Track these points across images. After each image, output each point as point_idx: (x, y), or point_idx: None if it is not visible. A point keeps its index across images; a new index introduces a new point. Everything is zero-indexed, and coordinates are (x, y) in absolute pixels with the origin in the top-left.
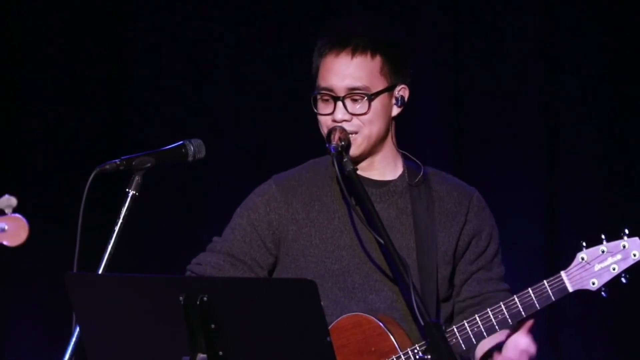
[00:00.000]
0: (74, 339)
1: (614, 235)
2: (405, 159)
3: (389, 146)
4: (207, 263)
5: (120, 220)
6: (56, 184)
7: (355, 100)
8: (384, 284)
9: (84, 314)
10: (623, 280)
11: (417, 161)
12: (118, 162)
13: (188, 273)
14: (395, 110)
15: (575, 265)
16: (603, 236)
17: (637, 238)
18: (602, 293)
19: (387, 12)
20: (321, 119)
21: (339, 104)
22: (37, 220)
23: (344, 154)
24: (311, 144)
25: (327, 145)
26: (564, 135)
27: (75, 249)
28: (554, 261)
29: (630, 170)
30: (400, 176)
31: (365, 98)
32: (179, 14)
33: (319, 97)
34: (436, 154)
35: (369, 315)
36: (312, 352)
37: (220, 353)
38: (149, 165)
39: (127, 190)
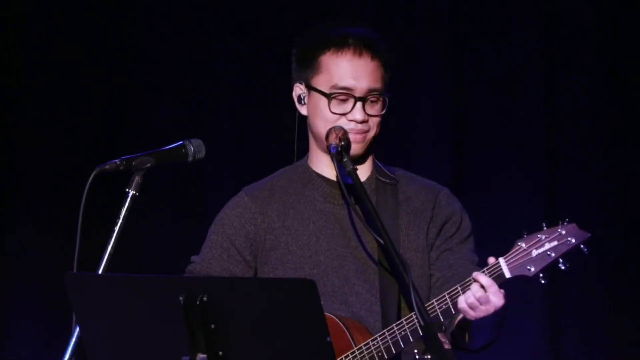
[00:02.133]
0: (74, 339)
1: (555, 222)
2: (375, 159)
3: (370, 147)
4: None
5: (120, 220)
6: (56, 184)
7: (372, 102)
8: (363, 286)
9: (84, 314)
10: (561, 267)
11: (387, 166)
12: (118, 162)
13: None
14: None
15: (513, 252)
16: (544, 224)
17: (574, 224)
18: (541, 280)
19: (387, 13)
20: (329, 116)
21: (359, 104)
22: (37, 220)
23: (343, 153)
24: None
25: (326, 145)
26: (564, 135)
27: (75, 249)
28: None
29: (631, 170)
30: (369, 178)
31: (381, 99)
32: (179, 14)
33: (336, 96)
34: (436, 155)
35: (330, 315)
36: (312, 352)
37: (220, 353)
38: (149, 165)
39: (127, 190)
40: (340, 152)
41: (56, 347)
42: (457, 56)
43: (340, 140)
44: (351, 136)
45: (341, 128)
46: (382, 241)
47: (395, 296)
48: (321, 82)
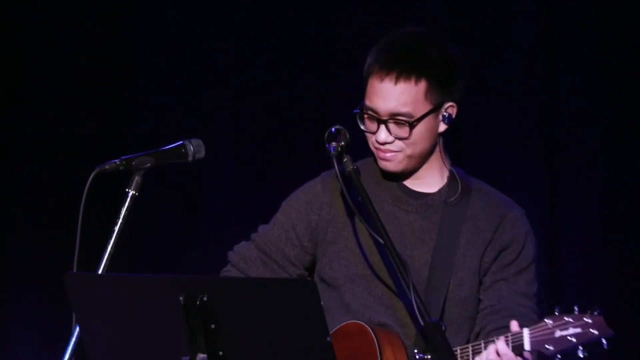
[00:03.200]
0: (73, 339)
1: (587, 308)
2: (456, 173)
3: (435, 160)
4: (241, 255)
5: (120, 220)
6: (56, 185)
7: (398, 124)
8: (408, 293)
9: (84, 314)
10: (580, 354)
11: (466, 176)
12: (118, 162)
13: (229, 259)
14: (442, 127)
15: (539, 327)
16: (576, 307)
17: (602, 318)
18: None
19: (386, 12)
20: (367, 135)
21: (382, 126)
22: (37, 220)
23: (344, 154)
24: (311, 144)
25: (326, 145)
26: (564, 135)
27: (75, 249)
28: (554, 261)
29: (631, 170)
30: (439, 190)
31: (407, 124)
32: (179, 14)
33: (365, 114)
34: None
35: (369, 328)
36: (312, 352)
37: (220, 353)
38: (148, 165)
39: (127, 190)
40: (340, 152)
41: (56, 347)
42: None
43: (339, 141)
44: (379, 154)
45: (341, 128)
46: (382, 241)
47: (439, 309)
48: (366, 93)
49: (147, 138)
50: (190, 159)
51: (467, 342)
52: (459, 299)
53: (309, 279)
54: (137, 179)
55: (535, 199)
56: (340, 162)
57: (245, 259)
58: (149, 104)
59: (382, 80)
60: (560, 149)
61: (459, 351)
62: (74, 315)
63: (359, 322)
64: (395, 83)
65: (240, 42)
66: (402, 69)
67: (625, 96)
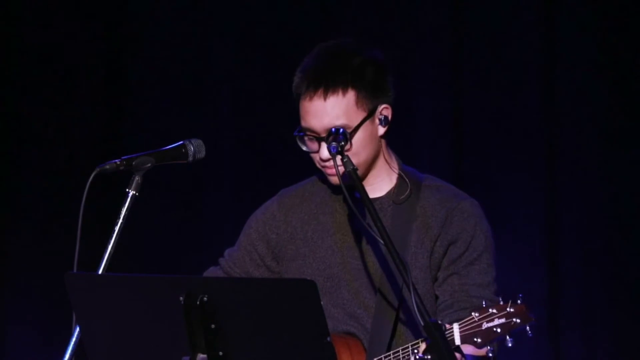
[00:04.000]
0: (74, 339)
1: (509, 298)
2: (405, 174)
3: (381, 164)
4: None
5: (120, 220)
6: (56, 185)
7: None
8: (371, 299)
9: (84, 314)
10: (508, 344)
11: (417, 174)
12: (118, 162)
13: None
14: (381, 130)
15: (467, 321)
16: (500, 298)
17: (523, 305)
18: (489, 354)
19: (386, 13)
20: (311, 155)
21: (323, 143)
22: (37, 220)
23: (344, 153)
24: None
25: (326, 145)
26: (564, 135)
27: (75, 249)
28: (554, 262)
29: (631, 170)
30: (388, 193)
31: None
32: (178, 14)
33: (304, 136)
34: (436, 155)
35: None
36: (312, 352)
37: (220, 353)
38: (149, 165)
39: (127, 190)
40: (340, 152)
41: (56, 347)
42: (457, 56)
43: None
44: (326, 170)
45: (340, 128)
46: (382, 241)
47: (393, 310)
48: (300, 115)
49: (147, 138)
50: (190, 159)
51: None
52: (420, 293)
53: (308, 279)
54: (137, 179)
55: (535, 199)
56: (340, 162)
57: None
58: (149, 104)
59: (311, 99)
60: (560, 150)
61: (400, 352)
62: (74, 315)
63: None
64: (325, 99)
65: (240, 42)
66: (327, 84)
67: (625, 96)
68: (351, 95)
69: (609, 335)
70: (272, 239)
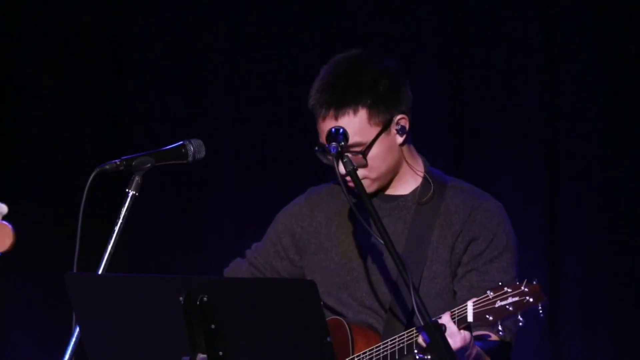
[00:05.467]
0: (74, 339)
1: (527, 278)
2: (429, 175)
3: (404, 169)
4: (232, 268)
5: (120, 220)
6: (56, 184)
7: (353, 155)
8: (388, 294)
9: (84, 314)
10: (519, 323)
11: (442, 175)
12: (118, 162)
13: (224, 273)
14: (400, 140)
15: (482, 298)
16: (517, 280)
17: (537, 285)
18: (499, 332)
19: (387, 14)
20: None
21: (340, 160)
22: (37, 220)
23: (344, 153)
24: (311, 144)
25: (327, 145)
26: (564, 135)
27: (75, 249)
28: (554, 262)
29: (631, 170)
30: (412, 192)
31: (360, 154)
32: (179, 13)
33: (322, 151)
34: (436, 155)
35: (345, 322)
36: (312, 352)
37: (220, 353)
38: (148, 165)
39: (127, 190)
40: (340, 152)
41: (56, 347)
42: (457, 55)
43: (340, 140)
44: (348, 184)
45: (342, 128)
46: (382, 241)
47: (406, 310)
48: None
49: (147, 138)
50: (190, 159)
51: None
52: (435, 292)
53: (308, 279)
54: (137, 179)
55: (535, 199)
56: (340, 162)
57: (235, 272)
58: (149, 104)
59: (324, 120)
60: (560, 150)
61: (405, 335)
62: (74, 315)
63: (337, 317)
64: (336, 119)
65: (240, 42)
66: (337, 105)
67: (625, 96)
68: (363, 113)
69: (609, 336)
70: (297, 232)
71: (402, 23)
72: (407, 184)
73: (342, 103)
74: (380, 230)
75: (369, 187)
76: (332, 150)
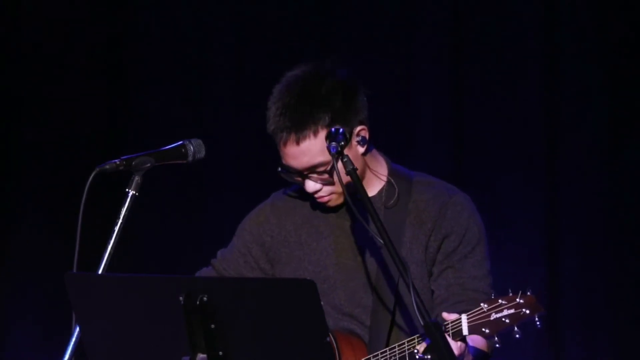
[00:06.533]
0: (73, 339)
1: (521, 289)
2: (394, 175)
3: (368, 176)
4: None
5: (120, 220)
6: (56, 184)
7: (318, 174)
8: (368, 298)
9: (84, 314)
10: (516, 335)
11: (406, 172)
12: (118, 162)
13: None
14: (362, 150)
15: (476, 312)
16: (509, 289)
17: (533, 297)
18: (496, 344)
19: (386, 12)
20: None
21: (307, 180)
22: (37, 220)
23: (344, 153)
24: None
25: (327, 145)
26: (564, 135)
27: (75, 249)
28: (554, 262)
29: (631, 170)
30: (379, 193)
31: (326, 172)
32: (179, 14)
33: (287, 172)
34: (436, 155)
35: (330, 333)
36: (312, 352)
37: (220, 353)
38: (148, 165)
39: (127, 190)
40: (340, 152)
41: (56, 347)
42: (457, 56)
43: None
44: (316, 199)
45: (342, 128)
46: (381, 241)
47: (390, 307)
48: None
49: (147, 138)
50: (190, 159)
51: None
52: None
53: (308, 279)
54: (137, 179)
55: (535, 199)
56: (340, 162)
57: None
58: (149, 104)
59: (285, 144)
60: (560, 150)
61: (397, 348)
62: (74, 315)
63: None
64: (297, 144)
65: (240, 42)
66: (297, 130)
67: (625, 96)
68: (323, 134)
69: (608, 336)
70: (267, 242)
71: (402, 23)
72: (372, 187)
73: (301, 127)
74: (380, 230)
75: (336, 201)
76: (332, 150)
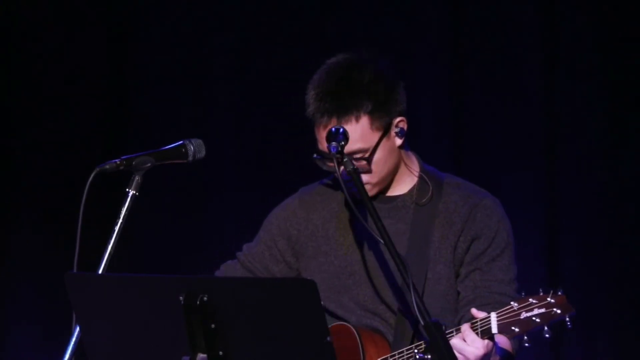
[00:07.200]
0: (74, 339)
1: (550, 289)
2: (425, 174)
3: (402, 170)
4: (226, 273)
5: (120, 220)
6: (56, 184)
7: (356, 160)
8: (393, 296)
9: (84, 314)
10: (546, 335)
11: (437, 173)
12: (118, 162)
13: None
14: (399, 142)
15: (506, 310)
16: (540, 289)
17: (564, 297)
18: (525, 343)
19: (387, 14)
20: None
21: (342, 167)
22: (37, 220)
23: (344, 153)
24: (312, 144)
25: (327, 145)
26: (564, 135)
27: (75, 249)
28: (554, 262)
29: (631, 170)
30: (410, 191)
31: (364, 159)
32: (179, 14)
33: (322, 158)
34: (436, 155)
35: (353, 328)
36: (312, 352)
37: (220, 353)
38: (149, 165)
39: (127, 190)
40: (340, 152)
41: (56, 347)
42: (457, 56)
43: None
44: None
45: (342, 128)
46: (382, 241)
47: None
48: (316, 138)
49: (147, 138)
50: (190, 159)
51: None
52: (439, 293)
53: (308, 278)
54: (137, 178)
55: (535, 199)
56: (340, 162)
57: (228, 275)
58: (149, 104)
59: (325, 128)
60: (560, 149)
61: (414, 349)
62: (74, 315)
63: (343, 323)
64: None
65: (240, 42)
66: (339, 113)
67: (625, 96)
68: (365, 120)
69: (608, 336)
70: (293, 235)
71: (402, 23)
72: (404, 184)
73: (344, 111)
74: (381, 230)
75: (370, 191)
76: (332, 150)
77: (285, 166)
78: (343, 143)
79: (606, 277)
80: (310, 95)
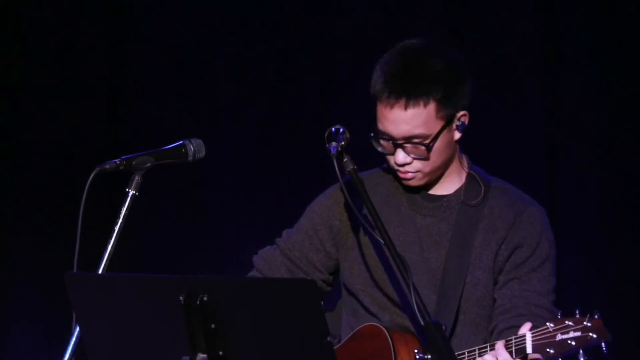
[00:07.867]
0: (74, 339)
1: (587, 312)
2: (475, 174)
3: (454, 166)
4: (266, 260)
5: (120, 220)
6: (56, 184)
7: (414, 145)
8: (430, 296)
9: (84, 314)
10: (581, 358)
11: (485, 174)
12: (118, 162)
13: (253, 263)
14: (457, 136)
15: (542, 330)
16: (577, 310)
17: (600, 321)
18: None
19: (387, 14)
20: (386, 157)
21: (399, 149)
22: (37, 220)
23: (344, 153)
24: (311, 144)
25: (327, 145)
26: (564, 135)
27: (75, 249)
28: None
29: (631, 170)
30: (456, 192)
31: (424, 145)
32: (179, 14)
33: (380, 138)
34: None
35: (384, 329)
36: (312, 352)
37: (220, 353)
38: (148, 165)
39: (127, 190)
40: (340, 152)
41: (56, 347)
42: None
43: (340, 141)
44: (399, 174)
45: (342, 128)
46: (382, 240)
47: (453, 310)
48: (377, 116)
49: (147, 138)
50: (190, 158)
51: (485, 342)
52: (476, 298)
53: (308, 278)
54: (137, 178)
55: (535, 199)
56: (340, 162)
57: (270, 265)
58: (149, 104)
59: (391, 107)
60: (560, 150)
61: (466, 354)
62: (74, 315)
63: (375, 324)
64: (405, 109)
65: (241, 42)
66: (409, 95)
67: (625, 96)
68: (432, 106)
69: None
70: (335, 225)
71: (402, 23)
72: (452, 183)
73: (414, 94)
74: (381, 230)
75: (419, 181)
76: (332, 150)
77: (285, 166)
78: (343, 143)
79: (606, 277)
80: (379, 74)
